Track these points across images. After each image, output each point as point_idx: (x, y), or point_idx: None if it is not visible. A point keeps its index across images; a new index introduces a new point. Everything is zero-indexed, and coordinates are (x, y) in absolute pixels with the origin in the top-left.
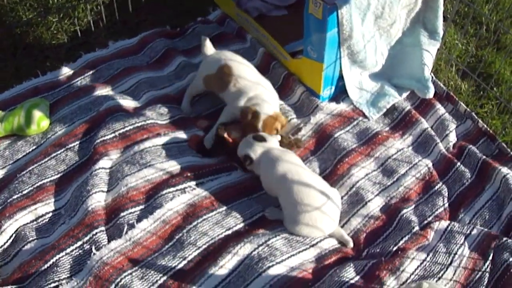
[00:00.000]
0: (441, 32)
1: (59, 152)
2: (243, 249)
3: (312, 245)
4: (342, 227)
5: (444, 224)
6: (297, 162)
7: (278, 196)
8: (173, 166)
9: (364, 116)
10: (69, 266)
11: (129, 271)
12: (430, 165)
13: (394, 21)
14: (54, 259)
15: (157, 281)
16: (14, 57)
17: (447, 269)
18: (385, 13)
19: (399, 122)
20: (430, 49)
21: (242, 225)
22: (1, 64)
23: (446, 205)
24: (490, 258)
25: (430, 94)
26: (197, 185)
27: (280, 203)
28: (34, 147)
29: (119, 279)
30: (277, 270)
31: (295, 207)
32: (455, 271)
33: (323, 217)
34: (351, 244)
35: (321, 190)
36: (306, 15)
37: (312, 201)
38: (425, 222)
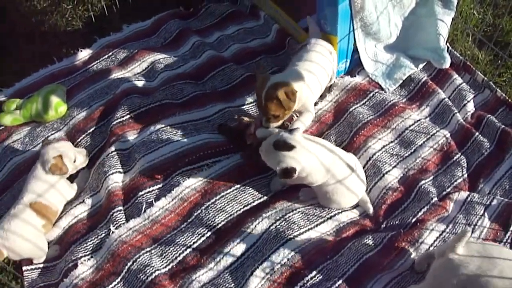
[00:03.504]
0: (455, 1)
1: (80, 138)
2: (261, 224)
3: (330, 218)
4: None
5: (463, 195)
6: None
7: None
8: (190, 144)
9: (380, 88)
10: (90, 246)
11: (148, 249)
12: (448, 135)
13: None
14: (74, 238)
15: (176, 257)
16: (31, 45)
17: None
18: None
19: (416, 93)
20: (444, 19)
21: (259, 201)
22: (18, 53)
23: (465, 175)
24: (511, 228)
25: (447, 64)
26: (214, 162)
27: (313, 187)
28: (53, 132)
29: (137, 256)
30: (295, 243)
31: (326, 184)
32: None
33: (354, 184)
34: (371, 211)
35: (349, 162)
36: None
37: (340, 175)
38: (444, 193)
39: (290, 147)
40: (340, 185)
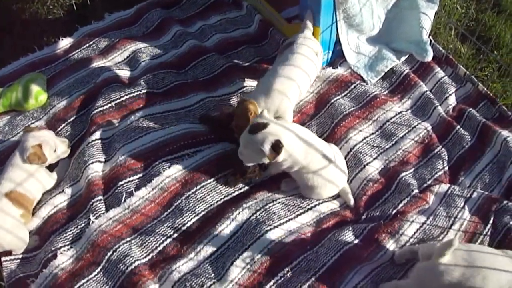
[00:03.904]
0: None
1: (61, 127)
2: (241, 215)
3: (310, 208)
4: None
5: (444, 187)
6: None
7: (291, 170)
8: (171, 134)
9: (362, 80)
10: (70, 236)
11: (128, 239)
12: (430, 128)
13: None
14: (54, 228)
15: (156, 247)
16: (11, 34)
17: (447, 232)
18: None
19: (398, 85)
20: (427, 12)
21: (239, 191)
22: None
23: (446, 168)
24: (491, 221)
25: (429, 57)
26: (194, 152)
27: (291, 175)
28: (33, 121)
29: (117, 246)
30: (275, 234)
31: (308, 175)
32: (456, 234)
33: (335, 174)
34: (351, 203)
35: (325, 152)
36: None
37: (320, 164)
38: (425, 185)
39: (264, 125)
40: (321, 173)
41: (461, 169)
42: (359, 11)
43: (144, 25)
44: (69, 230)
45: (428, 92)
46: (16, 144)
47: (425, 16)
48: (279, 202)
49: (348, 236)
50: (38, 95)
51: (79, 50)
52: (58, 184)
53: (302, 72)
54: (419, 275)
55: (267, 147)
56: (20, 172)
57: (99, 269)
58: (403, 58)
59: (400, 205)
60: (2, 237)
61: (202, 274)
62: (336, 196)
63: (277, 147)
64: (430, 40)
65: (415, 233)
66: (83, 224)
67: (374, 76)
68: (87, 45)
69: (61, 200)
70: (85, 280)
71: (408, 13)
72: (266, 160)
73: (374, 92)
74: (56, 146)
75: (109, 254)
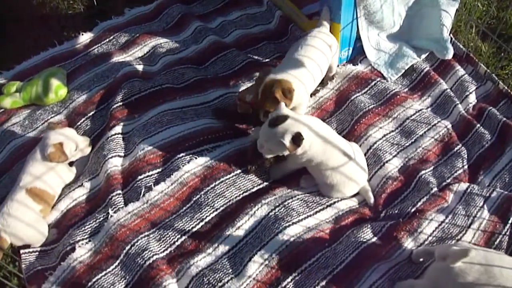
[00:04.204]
0: None
1: (80, 121)
2: (260, 210)
3: (329, 205)
4: None
5: (463, 186)
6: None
7: (309, 167)
8: (190, 129)
9: (382, 77)
10: (89, 229)
11: (146, 233)
12: (449, 126)
13: None
14: (72, 222)
15: (174, 242)
16: (31, 28)
17: (466, 231)
18: None
19: (418, 83)
20: (448, 10)
21: (258, 187)
22: (18, 36)
23: (466, 167)
24: (510, 221)
25: (449, 55)
26: (213, 147)
27: (310, 172)
28: (53, 115)
29: (135, 240)
30: (293, 230)
31: (326, 172)
32: (474, 234)
33: (354, 172)
34: (371, 201)
35: (344, 149)
36: None
37: (339, 161)
38: (444, 183)
39: (284, 118)
40: (340, 170)
41: (481, 168)
42: (379, 8)
43: (164, 21)
44: (87, 223)
45: (448, 90)
46: (36, 138)
47: (446, 14)
48: (298, 199)
49: (367, 233)
50: (58, 89)
51: (99, 45)
52: (77, 178)
53: (313, 63)
54: (434, 275)
55: (287, 140)
56: (40, 167)
57: (117, 263)
58: (423, 56)
59: (419, 204)
60: (22, 231)
61: (219, 269)
62: (355, 194)
63: (297, 139)
64: (451, 38)
65: (433, 231)
66: (101, 218)
67: (394, 74)
68: (107, 40)
69: (80, 194)
70: (103, 273)
71: (429, 10)
72: (286, 152)
73: (394, 89)
74: (77, 145)
75: (127, 248)
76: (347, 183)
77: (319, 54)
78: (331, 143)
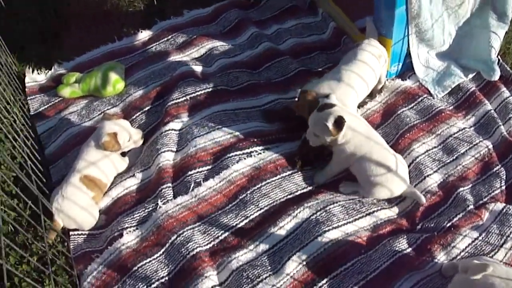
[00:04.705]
0: (510, 15)
1: (135, 115)
2: (302, 213)
3: (369, 214)
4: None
5: (499, 206)
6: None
7: (350, 166)
8: (241, 130)
9: (429, 94)
10: (137, 217)
11: (192, 226)
12: (491, 146)
13: (463, 2)
14: (122, 209)
15: (218, 236)
16: (93, 23)
17: (498, 250)
18: None
19: (463, 102)
20: (498, 32)
21: (302, 191)
22: (80, 30)
23: (504, 187)
24: None
25: (496, 76)
26: (263, 150)
27: (353, 172)
28: (109, 107)
29: (181, 231)
30: (332, 234)
31: (371, 167)
32: (506, 253)
33: (394, 180)
34: (423, 200)
35: (389, 156)
36: None
37: (384, 156)
38: (481, 202)
39: (331, 105)
40: (385, 166)
41: None
42: (431, 26)
43: (221, 24)
44: (136, 212)
45: (492, 111)
46: (92, 127)
47: (495, 36)
48: (339, 205)
49: (402, 244)
50: (116, 83)
51: (157, 43)
52: (129, 169)
53: (359, 79)
54: (456, 287)
55: (330, 122)
56: (95, 154)
57: (162, 251)
58: (470, 76)
59: (455, 219)
60: (76, 214)
61: (259, 266)
62: (395, 204)
63: (340, 122)
64: (499, 60)
65: (466, 247)
66: (150, 208)
67: (441, 91)
68: (165, 39)
69: (131, 184)
70: (148, 260)
71: (478, 31)
72: (329, 137)
73: (439, 106)
74: (130, 136)
75: (173, 238)
76: (393, 178)
77: (367, 70)
78: (374, 139)
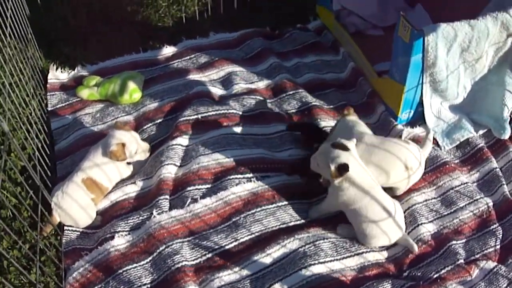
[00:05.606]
0: None
1: (147, 125)
2: (291, 244)
3: (357, 254)
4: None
5: (491, 264)
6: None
7: (346, 212)
8: (245, 155)
9: (437, 144)
10: (131, 223)
11: (182, 239)
12: (491, 204)
13: (481, 57)
14: (118, 213)
15: (205, 254)
16: (121, 32)
17: None
18: (471, 47)
19: (470, 157)
20: None
21: (295, 223)
22: (108, 36)
23: (498, 247)
24: None
25: (506, 135)
26: (263, 177)
27: (349, 219)
28: (123, 114)
29: (171, 243)
30: (317, 269)
31: (366, 223)
32: None
33: (391, 228)
34: (415, 249)
35: (386, 206)
36: (395, 37)
37: (380, 216)
38: (472, 258)
39: (345, 147)
40: (378, 224)
41: None
42: (445, 77)
43: (244, 51)
44: (131, 218)
45: (497, 169)
46: (103, 131)
47: (510, 94)
48: (329, 241)
49: None
50: (133, 92)
51: (179, 60)
52: (132, 176)
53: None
54: None
55: (334, 165)
56: (102, 158)
57: (149, 259)
58: (481, 132)
59: (443, 271)
60: (73, 211)
61: None
62: (385, 248)
63: (343, 169)
64: (511, 118)
65: None
66: (145, 216)
67: (449, 143)
68: (188, 57)
69: (131, 190)
70: (134, 265)
71: (494, 88)
72: (327, 175)
73: (445, 158)
74: (136, 151)
75: (161, 248)
76: (388, 228)
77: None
78: (373, 195)
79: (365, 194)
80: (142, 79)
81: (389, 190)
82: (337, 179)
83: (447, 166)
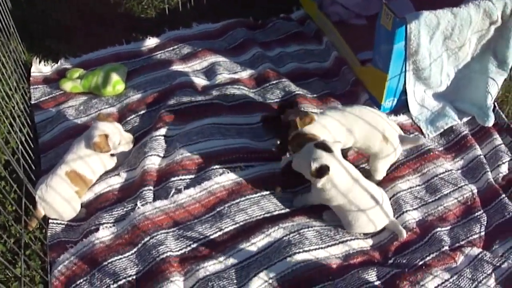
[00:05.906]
0: (510, 63)
1: (130, 117)
2: (276, 233)
3: (342, 242)
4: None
5: (475, 251)
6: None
7: (330, 204)
8: (229, 145)
9: (421, 132)
10: (115, 215)
11: (167, 230)
12: (475, 191)
13: (463, 44)
14: (102, 205)
15: (190, 244)
16: (104, 24)
17: None
18: (454, 34)
19: (454, 144)
20: (496, 78)
21: (280, 212)
22: (91, 28)
23: (482, 233)
24: None
25: (490, 122)
26: (247, 166)
27: (333, 209)
28: (106, 106)
29: (155, 234)
30: (302, 257)
31: (352, 214)
32: None
33: (377, 215)
34: (403, 235)
35: (373, 194)
36: (378, 26)
37: (366, 205)
38: (457, 245)
39: (329, 149)
40: (364, 212)
41: (497, 237)
42: (428, 65)
43: (227, 41)
44: (115, 210)
45: (481, 156)
46: (86, 123)
47: (493, 82)
48: (314, 230)
49: (371, 276)
50: (116, 84)
51: (162, 51)
52: (116, 168)
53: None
54: None
55: (314, 165)
56: (85, 150)
57: (134, 250)
58: (465, 119)
59: (428, 258)
60: (58, 204)
61: (226, 278)
62: (370, 236)
63: (323, 171)
64: (495, 106)
65: (436, 287)
66: (129, 208)
67: (433, 131)
68: (171, 48)
69: (115, 182)
70: (119, 257)
71: (477, 76)
72: (308, 175)
73: (429, 146)
74: (121, 140)
75: (146, 239)
76: (375, 215)
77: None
78: (359, 187)
79: (350, 191)
80: (125, 70)
81: (370, 177)
82: (317, 179)
83: (431, 153)
